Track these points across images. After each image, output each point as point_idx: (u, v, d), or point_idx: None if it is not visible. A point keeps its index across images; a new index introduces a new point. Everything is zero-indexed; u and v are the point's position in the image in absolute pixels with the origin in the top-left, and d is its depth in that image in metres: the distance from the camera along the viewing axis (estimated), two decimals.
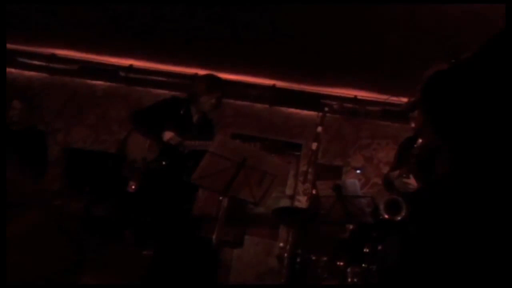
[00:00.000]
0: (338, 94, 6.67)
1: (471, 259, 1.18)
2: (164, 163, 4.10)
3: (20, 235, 1.06)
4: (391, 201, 3.41)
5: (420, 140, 3.36)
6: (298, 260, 4.09)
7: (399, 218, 3.30)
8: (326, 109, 4.59)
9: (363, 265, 3.83)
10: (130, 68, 7.07)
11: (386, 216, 3.37)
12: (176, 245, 4.13)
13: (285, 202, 6.78)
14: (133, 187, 4.36)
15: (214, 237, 3.39)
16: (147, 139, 4.18)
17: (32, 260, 1.08)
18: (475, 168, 1.23)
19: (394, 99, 6.08)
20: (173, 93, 5.66)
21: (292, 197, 6.83)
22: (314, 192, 4.21)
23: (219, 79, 4.37)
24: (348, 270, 3.86)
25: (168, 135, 4.08)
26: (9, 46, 6.26)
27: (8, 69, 6.85)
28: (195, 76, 4.51)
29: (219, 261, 5.61)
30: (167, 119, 4.17)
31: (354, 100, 6.66)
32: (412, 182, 3.39)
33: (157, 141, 4.13)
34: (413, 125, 3.68)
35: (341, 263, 3.97)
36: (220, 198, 3.49)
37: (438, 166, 2.94)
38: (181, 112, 4.26)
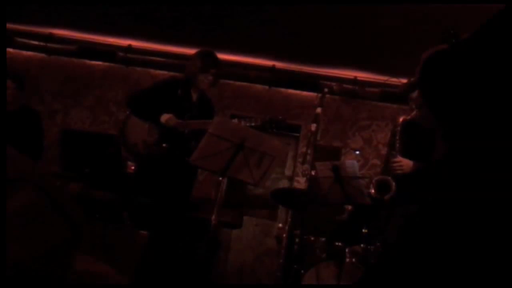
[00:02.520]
0: (337, 75, 6.65)
1: (472, 242, 1.18)
2: (164, 145, 4.06)
3: (14, 212, 1.06)
4: (381, 180, 3.46)
5: (401, 119, 3.44)
6: (297, 240, 4.11)
7: (387, 197, 3.35)
8: (326, 90, 4.56)
9: (362, 245, 3.86)
10: (128, 49, 7.03)
11: (372, 191, 3.45)
12: (174, 227, 4.13)
13: (284, 183, 6.81)
14: (132, 167, 4.35)
15: (212, 218, 3.40)
16: (146, 122, 4.15)
17: (24, 238, 1.08)
18: (473, 149, 1.22)
19: (393, 80, 6.06)
20: (172, 73, 5.63)
21: (291, 178, 6.85)
22: (313, 173, 4.20)
23: (213, 54, 4.26)
24: (347, 250, 3.88)
25: (165, 117, 4.03)
26: (7, 25, 6.22)
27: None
28: (190, 56, 4.43)
29: (218, 242, 5.63)
30: (165, 101, 4.10)
31: (354, 81, 6.64)
32: (401, 160, 3.42)
33: (156, 124, 4.07)
34: (413, 106, 3.68)
35: (339, 244, 3.99)
36: (220, 179, 3.48)
37: (437, 147, 2.95)
38: (179, 92, 4.21)
